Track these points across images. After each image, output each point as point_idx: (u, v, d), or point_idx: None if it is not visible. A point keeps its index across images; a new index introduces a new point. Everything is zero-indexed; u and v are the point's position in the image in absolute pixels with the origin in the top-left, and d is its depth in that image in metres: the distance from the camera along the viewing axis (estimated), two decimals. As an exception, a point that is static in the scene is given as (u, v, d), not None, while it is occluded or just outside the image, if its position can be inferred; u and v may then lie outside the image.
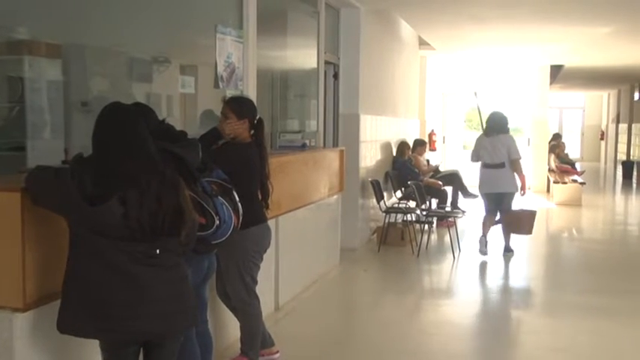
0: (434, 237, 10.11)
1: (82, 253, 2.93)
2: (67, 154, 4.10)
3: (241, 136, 4.52)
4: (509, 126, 9.22)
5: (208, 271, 4.01)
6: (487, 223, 9.11)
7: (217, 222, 3.38)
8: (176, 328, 3.15)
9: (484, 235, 9.08)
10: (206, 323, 4.19)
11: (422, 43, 13.16)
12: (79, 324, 2.96)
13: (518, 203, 9.25)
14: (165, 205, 2.93)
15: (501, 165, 8.80)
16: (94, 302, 2.93)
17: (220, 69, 5.54)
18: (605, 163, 27.85)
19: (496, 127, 8.96)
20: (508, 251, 9.16)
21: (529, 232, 9.17)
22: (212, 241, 3.47)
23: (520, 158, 8.98)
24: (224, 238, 3.51)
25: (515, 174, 8.86)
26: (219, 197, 3.48)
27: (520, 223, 9.07)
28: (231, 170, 3.90)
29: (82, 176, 2.87)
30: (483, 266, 8.78)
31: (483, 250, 9.04)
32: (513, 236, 9.15)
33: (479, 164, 9.12)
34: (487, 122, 9.18)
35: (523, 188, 8.94)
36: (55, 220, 3.02)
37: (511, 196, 8.91)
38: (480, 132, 9.39)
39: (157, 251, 2.97)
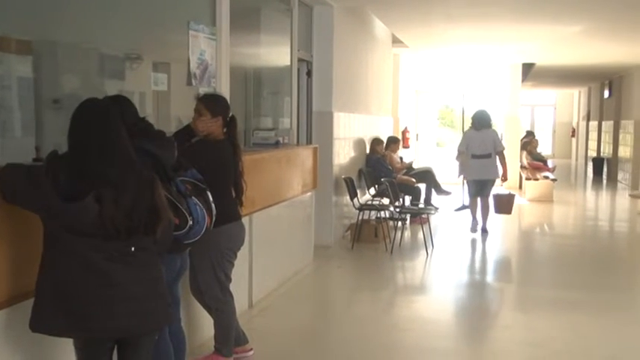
0: (407, 234, 10.17)
1: (56, 251, 2.91)
2: (39, 152, 4.06)
3: (214, 133, 4.51)
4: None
5: (181, 270, 4.00)
6: (474, 206, 10.45)
7: (190, 222, 3.37)
8: (151, 326, 3.14)
9: (474, 217, 10.45)
10: (179, 321, 4.17)
11: (395, 40, 13.20)
12: (53, 322, 2.94)
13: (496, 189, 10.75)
14: (141, 204, 2.91)
15: (488, 155, 10.17)
16: (69, 301, 2.91)
17: (193, 66, 5.51)
18: (576, 159, 28.17)
19: (484, 122, 10.31)
20: (485, 232, 10.41)
21: (509, 212, 11.05)
22: (184, 241, 3.46)
23: (504, 149, 10.48)
24: (196, 239, 3.50)
25: (499, 163, 10.25)
26: (193, 197, 3.47)
27: (503, 204, 10.86)
28: (204, 168, 3.89)
29: (57, 174, 2.85)
30: (456, 262, 8.85)
31: (475, 229, 10.46)
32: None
33: (456, 157, 10.72)
34: (475, 118, 10.44)
35: (505, 175, 10.38)
36: (28, 218, 2.99)
37: (493, 182, 10.38)
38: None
39: (132, 249, 2.96)
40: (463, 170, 10.64)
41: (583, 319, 6.32)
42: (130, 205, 2.88)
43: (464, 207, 11.30)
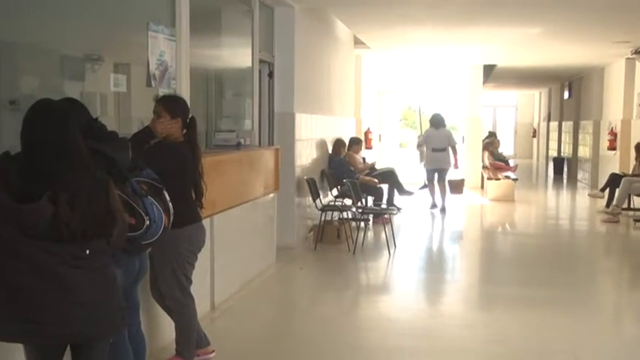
0: (370, 234, 10.20)
1: (6, 254, 2.86)
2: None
3: (174, 135, 4.49)
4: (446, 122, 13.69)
5: (140, 272, 3.97)
6: (432, 189, 13.21)
7: (147, 222, 3.35)
8: (104, 330, 3.10)
9: (433, 198, 13.17)
10: (139, 325, 4.14)
11: (357, 42, 13.23)
12: (4, 327, 2.90)
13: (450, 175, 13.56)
14: (96, 206, 2.89)
15: (444, 149, 13.01)
16: (20, 305, 2.87)
17: (153, 67, 5.47)
18: (538, 159, 28.55)
19: (440, 123, 13.24)
20: (443, 210, 12.97)
21: (461, 192, 14.50)
22: (142, 241, 3.43)
23: (457, 144, 13.51)
24: (154, 239, 3.48)
25: (452, 154, 13.08)
26: (149, 197, 3.44)
27: (456, 186, 14.17)
28: (164, 169, 3.87)
29: (9, 175, 2.81)
30: (419, 262, 8.91)
31: (434, 206, 13.14)
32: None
33: (417, 147, 14.37)
34: (433, 120, 13.35)
35: (456, 164, 13.31)
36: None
37: (447, 170, 13.20)
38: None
39: (87, 252, 2.93)
40: (425, 161, 13.51)
41: (542, 315, 6.40)
42: (85, 207, 2.85)
43: (425, 186, 13.52)
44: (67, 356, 3.15)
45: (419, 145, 14.16)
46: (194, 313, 4.70)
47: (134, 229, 3.30)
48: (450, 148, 13.04)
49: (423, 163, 13.80)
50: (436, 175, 13.12)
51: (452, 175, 13.78)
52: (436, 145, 12.96)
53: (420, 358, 5.33)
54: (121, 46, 5.64)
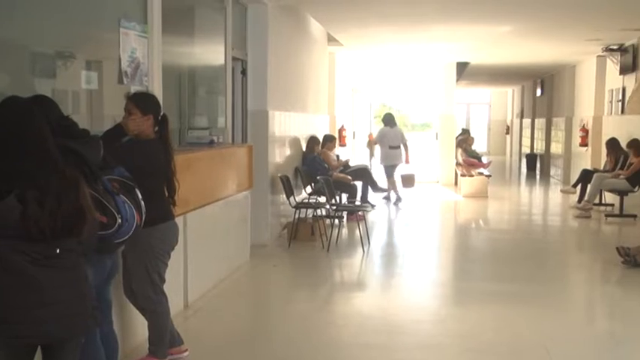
0: (344, 231, 10.22)
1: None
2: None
3: (146, 132, 4.46)
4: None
5: (111, 271, 3.94)
6: (394, 184, 13.92)
7: (119, 221, 3.33)
8: (75, 331, 3.06)
9: (397, 192, 13.86)
10: (111, 324, 4.11)
11: (331, 39, 13.25)
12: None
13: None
14: (65, 205, 2.86)
15: (398, 147, 13.83)
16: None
17: (124, 64, 5.43)
18: (511, 156, 28.80)
19: (393, 122, 14.13)
20: (399, 200, 13.80)
21: (413, 185, 14.91)
22: (114, 240, 3.41)
23: (407, 141, 14.30)
24: (126, 237, 3.46)
25: (404, 151, 13.99)
26: (121, 195, 3.42)
27: (408, 180, 14.80)
28: (135, 167, 3.84)
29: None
30: (392, 258, 8.95)
31: (388, 198, 13.89)
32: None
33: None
34: (387, 119, 14.28)
35: (407, 159, 14.06)
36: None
37: (399, 166, 14.08)
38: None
39: (57, 251, 2.90)
40: (381, 158, 14.29)
41: (515, 310, 6.47)
42: (55, 205, 2.82)
43: (387, 197, 13.98)
44: (38, 356, 3.12)
45: (374, 143, 15.18)
46: (167, 312, 4.68)
47: (106, 227, 3.28)
48: (402, 145, 14.01)
49: (378, 160, 14.70)
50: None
51: (404, 169, 14.80)
52: (392, 143, 13.76)
53: (393, 353, 5.35)
54: (93, 42, 5.58)
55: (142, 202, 3.60)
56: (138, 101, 4.47)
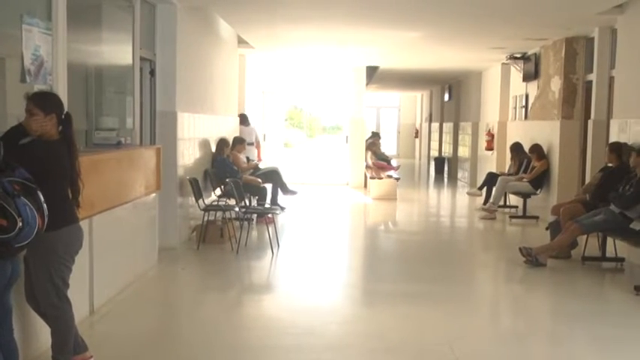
0: (254, 234, 10.21)
1: None
2: None
3: (49, 132, 4.33)
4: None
5: (12, 276, 3.82)
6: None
7: (20, 224, 3.24)
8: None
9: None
10: (11, 332, 3.99)
11: (241, 41, 13.20)
12: None
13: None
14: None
15: (252, 143, 14.15)
16: None
17: (27, 62, 5.26)
18: (420, 159, 29.40)
19: (246, 121, 14.20)
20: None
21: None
22: (15, 244, 3.31)
23: (259, 139, 15.03)
24: (28, 241, 3.37)
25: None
26: (22, 198, 3.32)
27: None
28: (37, 168, 3.74)
29: None
30: (302, 261, 8.98)
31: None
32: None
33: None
34: (243, 118, 14.22)
35: (259, 156, 14.63)
36: None
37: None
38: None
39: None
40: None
41: (421, 310, 6.62)
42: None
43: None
44: None
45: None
46: (71, 319, 4.55)
47: (6, 231, 3.18)
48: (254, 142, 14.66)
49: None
50: None
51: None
52: (248, 140, 14.05)
53: (301, 355, 5.37)
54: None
55: (45, 205, 3.50)
56: (37, 101, 4.33)
